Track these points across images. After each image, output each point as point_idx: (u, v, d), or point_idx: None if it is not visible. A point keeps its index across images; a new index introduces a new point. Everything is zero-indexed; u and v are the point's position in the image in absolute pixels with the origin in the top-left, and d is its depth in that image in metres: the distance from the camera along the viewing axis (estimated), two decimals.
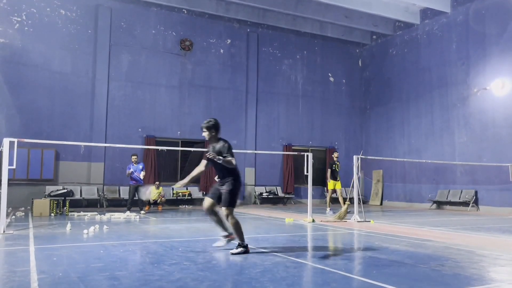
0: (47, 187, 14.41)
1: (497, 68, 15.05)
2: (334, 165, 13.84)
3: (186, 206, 15.89)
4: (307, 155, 10.48)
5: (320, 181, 18.79)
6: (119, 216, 10.85)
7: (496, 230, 8.67)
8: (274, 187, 18.46)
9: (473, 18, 15.88)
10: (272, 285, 3.83)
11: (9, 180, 7.86)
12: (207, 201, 5.67)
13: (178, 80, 17.18)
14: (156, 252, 5.66)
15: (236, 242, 5.57)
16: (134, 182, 12.67)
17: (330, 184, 13.65)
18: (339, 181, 13.73)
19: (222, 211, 5.55)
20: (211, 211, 5.67)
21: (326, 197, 18.51)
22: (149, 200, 14.00)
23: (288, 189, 18.58)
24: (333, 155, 14.46)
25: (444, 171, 16.53)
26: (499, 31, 15.03)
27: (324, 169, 19.55)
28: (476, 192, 15.44)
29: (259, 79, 18.69)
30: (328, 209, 13.40)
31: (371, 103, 20.56)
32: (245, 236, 5.56)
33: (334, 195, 13.88)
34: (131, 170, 12.55)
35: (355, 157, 10.80)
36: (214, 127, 5.69)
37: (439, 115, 17.09)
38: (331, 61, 20.45)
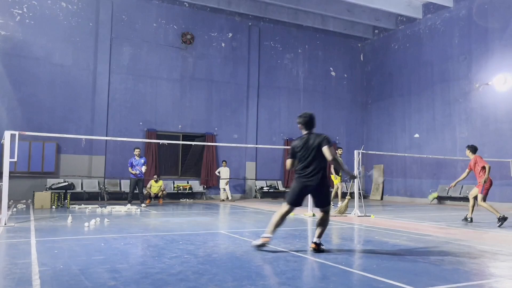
0: (48, 180, 14.45)
1: (500, 63, 14.99)
2: None
3: (187, 199, 15.93)
4: None
5: None
6: (120, 209, 10.88)
7: (496, 225, 8.68)
8: (275, 181, 18.47)
9: (476, 13, 15.79)
10: (273, 279, 3.85)
11: (10, 172, 7.87)
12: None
13: (179, 73, 17.14)
14: (157, 245, 5.68)
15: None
16: (135, 175, 12.74)
17: (336, 179, 13.76)
18: (340, 176, 13.81)
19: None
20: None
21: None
22: (150, 194, 14.06)
23: (288, 183, 18.57)
24: (337, 151, 14.45)
25: (445, 166, 16.53)
26: (502, 26, 14.95)
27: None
28: None
29: (261, 73, 18.64)
30: (339, 201, 13.50)
31: (373, 98, 20.51)
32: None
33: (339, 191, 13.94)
34: (135, 171, 12.72)
35: (356, 151, 10.80)
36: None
37: (441, 110, 17.05)
38: (333, 55, 20.38)
